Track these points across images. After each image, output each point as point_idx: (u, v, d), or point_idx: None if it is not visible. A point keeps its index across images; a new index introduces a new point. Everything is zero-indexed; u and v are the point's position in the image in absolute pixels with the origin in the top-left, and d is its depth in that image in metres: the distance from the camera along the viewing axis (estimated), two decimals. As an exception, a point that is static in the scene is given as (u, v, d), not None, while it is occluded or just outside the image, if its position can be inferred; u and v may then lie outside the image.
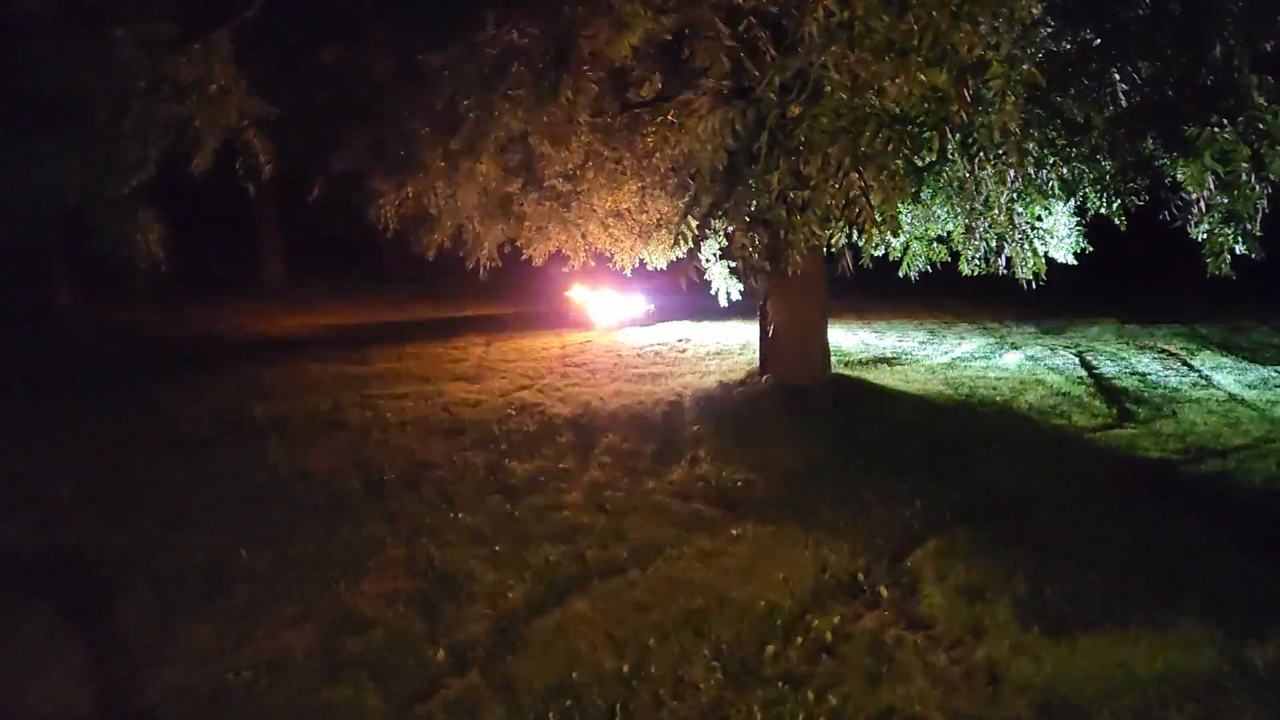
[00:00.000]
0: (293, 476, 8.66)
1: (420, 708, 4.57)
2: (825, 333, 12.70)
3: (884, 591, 5.81)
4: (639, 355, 15.98)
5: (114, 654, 5.15)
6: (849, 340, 16.73)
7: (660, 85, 8.52)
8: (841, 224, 5.73)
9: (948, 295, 18.67)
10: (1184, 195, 8.10)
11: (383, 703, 4.64)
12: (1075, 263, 12.22)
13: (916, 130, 5.27)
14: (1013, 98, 5.36)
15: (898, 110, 5.42)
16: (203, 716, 4.51)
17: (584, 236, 11.97)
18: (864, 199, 5.53)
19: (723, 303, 13.05)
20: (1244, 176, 7.21)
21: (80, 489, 8.29)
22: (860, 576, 6.10)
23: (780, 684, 4.63)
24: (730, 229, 5.87)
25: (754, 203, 5.66)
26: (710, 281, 12.78)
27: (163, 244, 7.01)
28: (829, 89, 5.38)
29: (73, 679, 4.88)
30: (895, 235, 5.43)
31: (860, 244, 6.46)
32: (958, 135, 5.49)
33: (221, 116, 6.64)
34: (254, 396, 13.21)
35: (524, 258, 13.13)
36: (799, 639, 5.16)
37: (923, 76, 5.14)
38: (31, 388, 13.24)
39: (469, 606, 5.75)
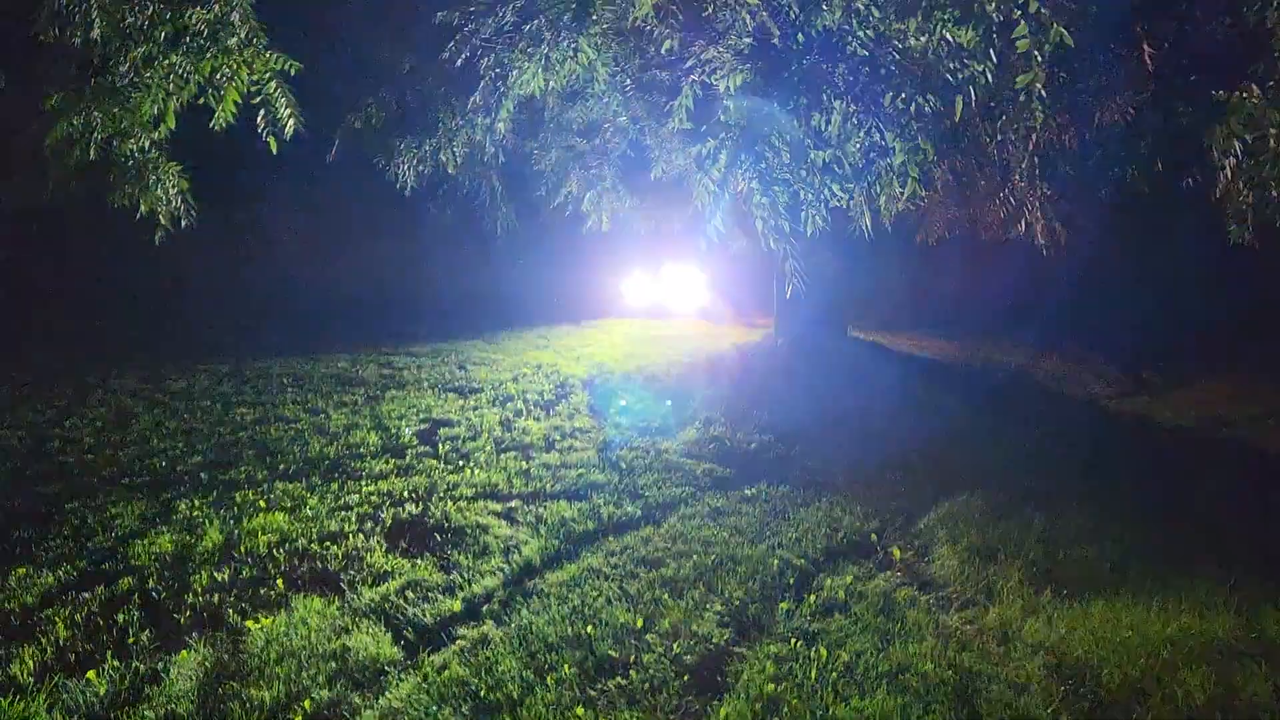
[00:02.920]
0: (310, 430, 8.74)
1: (435, 657, 4.63)
2: (841, 294, 12.65)
3: (897, 553, 5.83)
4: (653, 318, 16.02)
5: (134, 600, 5.23)
6: (863, 301, 16.66)
7: (680, 43, 8.41)
8: (862, 185, 5.67)
9: (963, 261, 18.52)
10: (1209, 161, 7.96)
11: (399, 652, 4.70)
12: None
13: (941, 90, 5.19)
14: (1040, 58, 5.26)
15: (921, 70, 5.35)
16: (222, 661, 4.58)
17: (600, 194, 11.90)
18: (885, 160, 5.47)
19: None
20: (1273, 143, 7.08)
21: (98, 455, 8.40)
22: (873, 538, 6.12)
23: (792, 640, 4.67)
24: (750, 187, 5.83)
25: (773, 161, 5.61)
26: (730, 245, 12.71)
27: (185, 198, 6.99)
28: (853, 46, 5.30)
29: (90, 630, 4.97)
30: (917, 196, 5.36)
31: (879, 206, 6.41)
32: (982, 95, 5.41)
33: (243, 70, 6.59)
34: (271, 352, 13.34)
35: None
36: (811, 597, 5.19)
37: (949, 35, 5.06)
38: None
39: (483, 560, 5.81)
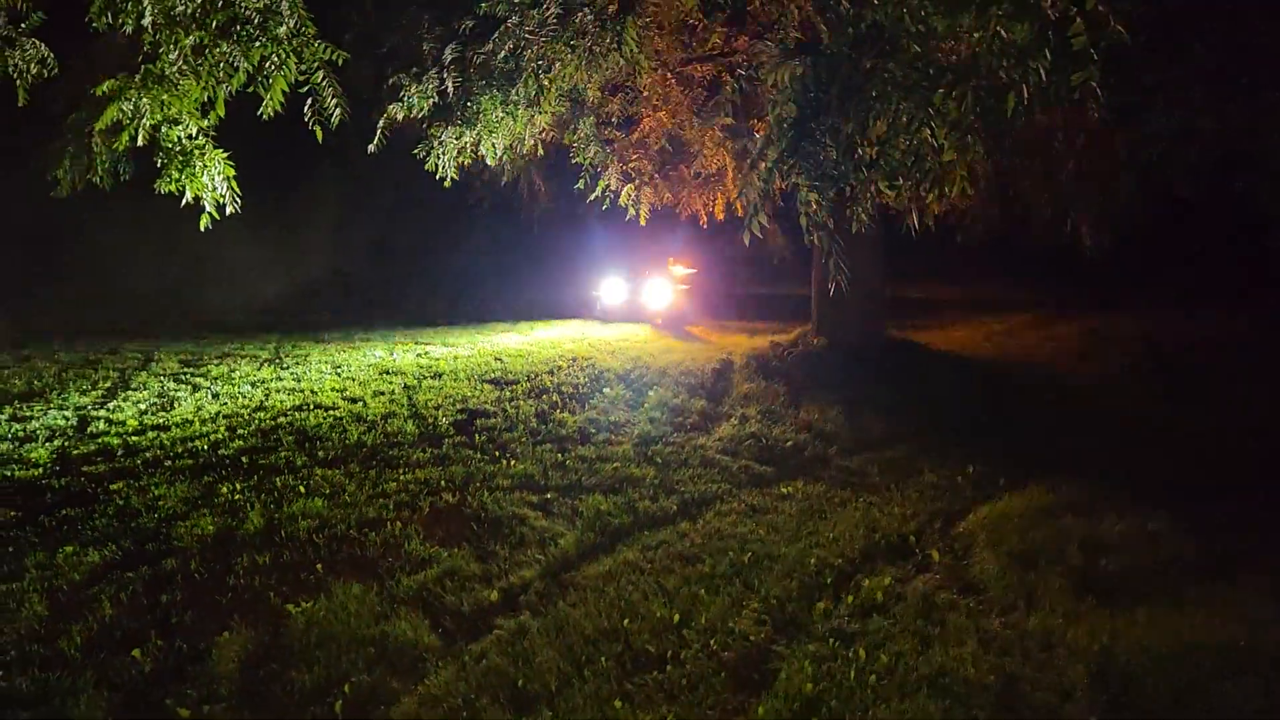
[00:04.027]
0: (349, 418, 8.82)
1: (473, 646, 4.66)
2: (881, 294, 12.56)
3: (935, 555, 5.77)
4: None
5: (177, 581, 5.31)
6: (903, 302, 16.55)
7: (724, 37, 8.40)
8: (909, 183, 5.62)
9: (1006, 262, 18.32)
10: (1263, 166, 7.82)
11: (437, 639, 4.73)
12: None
13: (993, 87, 5.12)
14: (1095, 56, 5.17)
15: (973, 67, 5.28)
16: (263, 643, 4.63)
17: (639, 188, 11.89)
18: (934, 158, 5.41)
19: (774, 262, 12.95)
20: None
21: (142, 438, 8.49)
22: (911, 539, 6.07)
23: (830, 640, 4.64)
24: (795, 184, 5.79)
25: (821, 157, 5.57)
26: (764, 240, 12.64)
27: (230, 185, 7.07)
28: (904, 43, 5.25)
29: (135, 609, 5.05)
30: (966, 195, 5.29)
31: (925, 204, 6.34)
32: (1034, 93, 5.32)
33: (291, 59, 6.65)
34: (311, 340, 13.48)
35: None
36: (849, 597, 5.16)
37: (1002, 31, 4.99)
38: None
39: (520, 550, 5.84)
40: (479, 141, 10.65)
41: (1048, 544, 5.90)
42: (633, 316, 17.19)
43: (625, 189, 11.93)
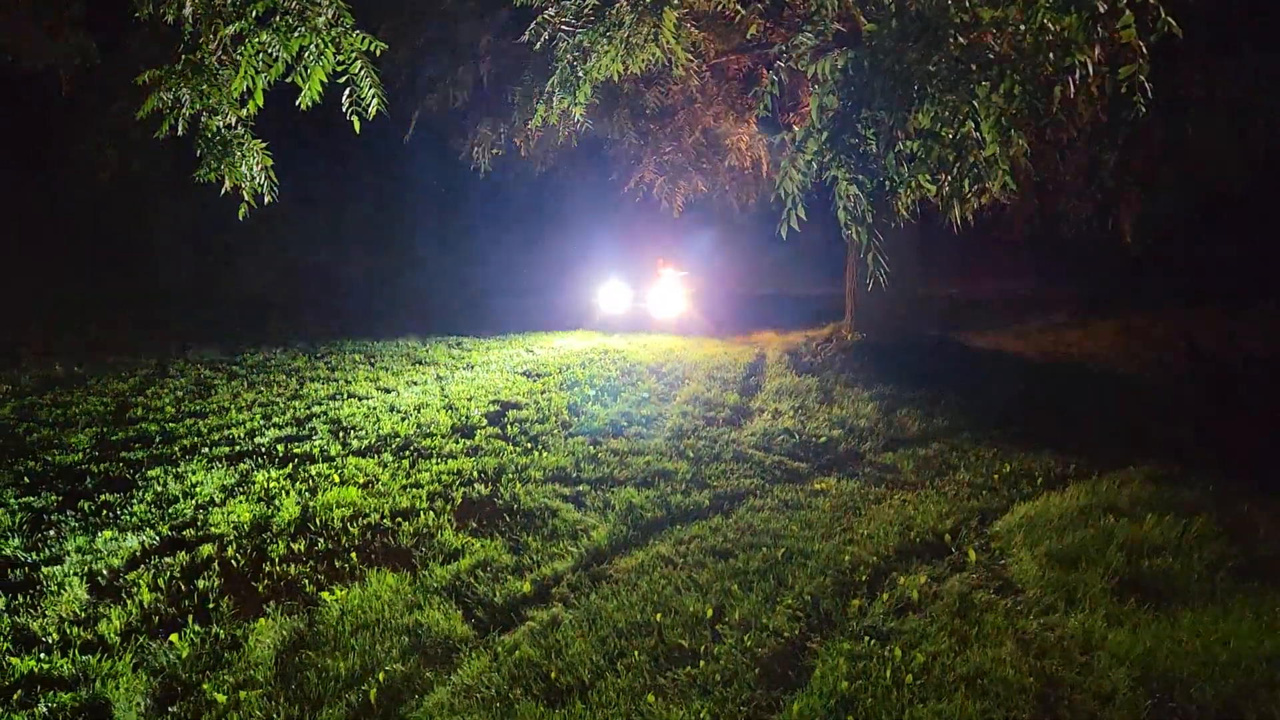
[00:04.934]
0: (382, 408, 8.86)
1: (506, 637, 4.66)
2: (916, 289, 12.43)
3: (972, 554, 5.69)
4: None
5: (214, 568, 5.35)
6: (938, 298, 16.37)
7: (762, 29, 8.31)
8: (951, 177, 5.52)
9: (1042, 258, 18.06)
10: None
11: (470, 629, 4.74)
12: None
13: (1039, 80, 5.02)
14: (1144, 50, 5.05)
15: (1018, 59, 5.17)
16: (299, 630, 4.66)
17: (673, 180, 11.85)
18: (978, 151, 5.31)
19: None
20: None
21: (179, 424, 8.57)
22: (947, 538, 5.98)
23: (865, 638, 4.59)
24: (834, 176, 5.71)
25: (862, 150, 5.49)
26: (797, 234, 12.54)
27: (268, 174, 7.10)
28: (948, 34, 5.15)
29: (172, 594, 5.10)
30: (1008, 189, 5.17)
31: (966, 199, 6.22)
32: (1080, 87, 5.21)
33: (329, 49, 6.66)
34: (341, 333, 13.57)
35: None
36: (884, 595, 5.10)
37: (1049, 23, 4.88)
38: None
39: (552, 543, 5.83)
40: (513, 133, 10.66)
41: (1088, 545, 5.79)
42: (638, 326, 15.84)
43: (659, 181, 11.90)
